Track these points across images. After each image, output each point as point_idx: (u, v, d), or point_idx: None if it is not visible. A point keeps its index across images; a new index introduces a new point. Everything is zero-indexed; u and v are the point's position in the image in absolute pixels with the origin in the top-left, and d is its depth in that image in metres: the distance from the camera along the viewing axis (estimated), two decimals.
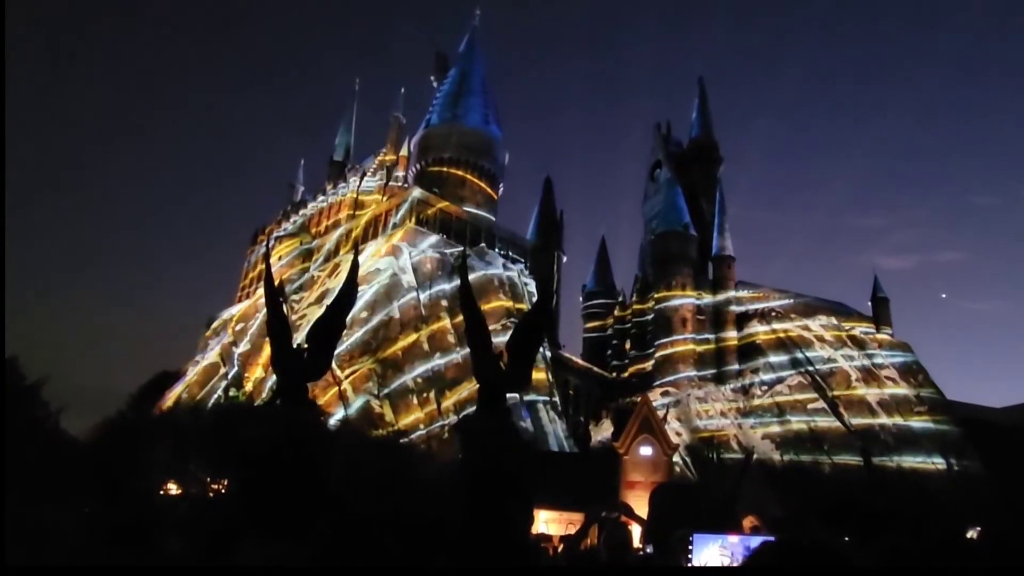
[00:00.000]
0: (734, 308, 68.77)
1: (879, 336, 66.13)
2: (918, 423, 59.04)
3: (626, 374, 73.01)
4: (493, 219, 69.54)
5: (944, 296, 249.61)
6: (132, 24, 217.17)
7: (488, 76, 76.82)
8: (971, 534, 33.24)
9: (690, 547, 16.66)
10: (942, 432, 58.60)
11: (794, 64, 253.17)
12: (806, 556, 1.64)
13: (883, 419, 59.36)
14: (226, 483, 21.13)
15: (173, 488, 23.67)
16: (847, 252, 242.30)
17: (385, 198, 64.73)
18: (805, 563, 1.64)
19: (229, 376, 56.44)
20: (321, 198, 75.28)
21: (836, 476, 52.62)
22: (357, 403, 46.44)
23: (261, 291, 61.27)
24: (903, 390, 61.32)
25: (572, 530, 25.79)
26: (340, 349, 46.31)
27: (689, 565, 14.76)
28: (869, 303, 69.23)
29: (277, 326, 7.44)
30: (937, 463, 55.94)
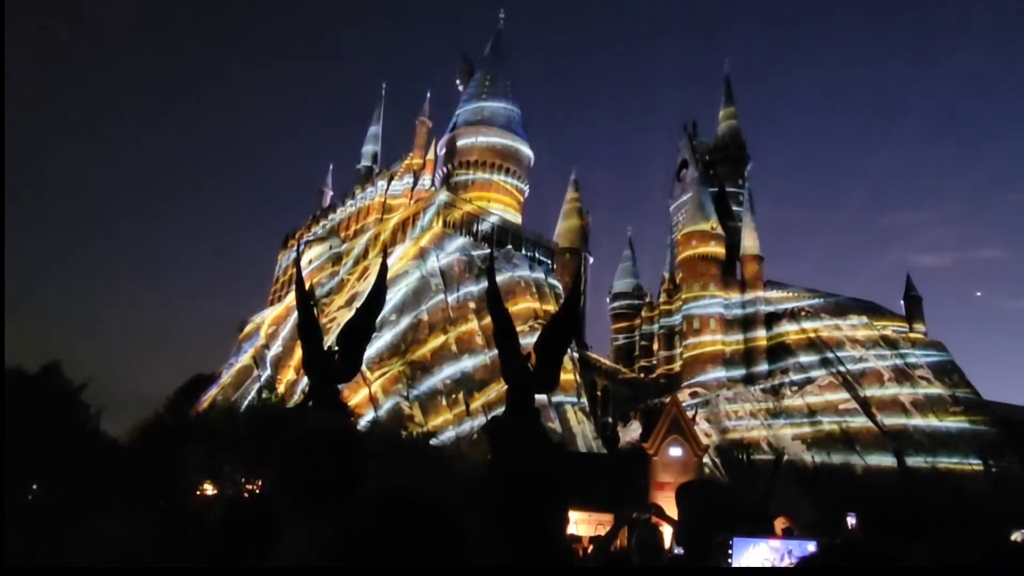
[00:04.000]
0: (763, 308, 68.09)
1: (912, 335, 65.05)
2: (954, 423, 57.93)
3: (654, 375, 72.68)
4: (519, 221, 69.71)
5: (979, 294, 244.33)
6: (168, 32, 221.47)
7: (513, 78, 77.06)
8: (1016, 536, 32.55)
9: (730, 551, 16.58)
10: (979, 432, 57.41)
11: (823, 58, 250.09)
12: (867, 558, 1.65)
13: (917, 419, 58.33)
14: (260, 483, 21.51)
15: (209, 488, 24.12)
16: (878, 250, 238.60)
17: (412, 201, 65.21)
18: (866, 564, 1.64)
19: (262, 379, 57.23)
20: (350, 202, 76.02)
21: (869, 477, 51.83)
22: (387, 405, 46.86)
23: (292, 295, 62.05)
24: (937, 390, 60.22)
25: (602, 531, 25.78)
26: (370, 351, 46.73)
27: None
28: (901, 302, 68.14)
29: (308, 329, 7.58)
30: (974, 464, 54.80)
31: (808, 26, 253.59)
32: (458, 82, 79.61)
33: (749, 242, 71.56)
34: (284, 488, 1.85)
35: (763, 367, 65.11)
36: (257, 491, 21.39)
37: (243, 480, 23.61)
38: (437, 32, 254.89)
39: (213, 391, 58.35)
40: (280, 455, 1.91)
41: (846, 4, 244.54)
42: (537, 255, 65.45)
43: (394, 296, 51.46)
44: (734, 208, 75.86)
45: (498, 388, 46.47)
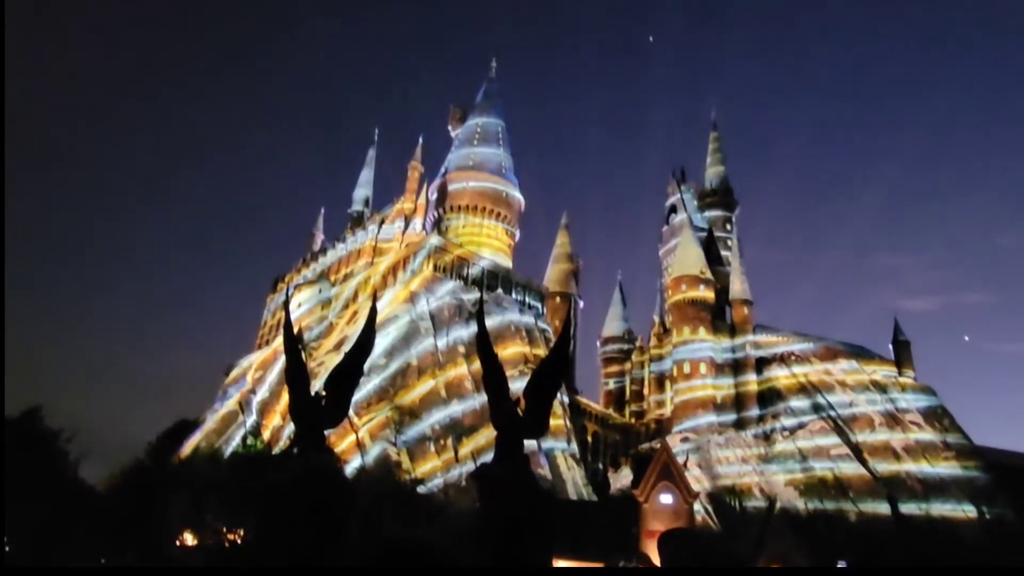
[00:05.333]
0: (753, 352, 68.15)
1: (902, 380, 65.08)
2: (946, 469, 57.58)
3: (645, 420, 72.29)
4: (510, 265, 69.98)
5: (967, 339, 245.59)
6: (159, 76, 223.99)
7: (504, 124, 78.30)
8: None
9: None
10: (971, 478, 57.03)
11: (810, 101, 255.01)
12: None
13: (909, 465, 57.97)
14: (242, 533, 20.99)
15: (189, 539, 23.51)
16: (867, 293, 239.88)
17: (403, 245, 65.37)
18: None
19: (247, 424, 56.38)
20: (340, 246, 76.14)
21: (863, 524, 51.29)
22: (374, 451, 46.17)
23: (280, 339, 61.58)
24: (928, 435, 59.97)
25: None
26: (358, 396, 46.27)
27: None
28: (890, 346, 68.39)
29: (295, 374, 7.48)
30: (968, 511, 54.33)
31: (796, 70, 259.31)
32: (450, 128, 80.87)
33: (738, 286, 72.03)
34: (268, 533, 1.79)
35: (754, 412, 64.85)
36: (239, 541, 20.87)
37: (225, 529, 23.04)
38: (430, 78, 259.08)
39: (197, 437, 57.44)
40: (265, 499, 1.86)
41: (834, 47, 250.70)
42: (527, 299, 65.51)
43: (383, 340, 51.18)
44: (723, 253, 76.70)
45: (487, 434, 45.97)
